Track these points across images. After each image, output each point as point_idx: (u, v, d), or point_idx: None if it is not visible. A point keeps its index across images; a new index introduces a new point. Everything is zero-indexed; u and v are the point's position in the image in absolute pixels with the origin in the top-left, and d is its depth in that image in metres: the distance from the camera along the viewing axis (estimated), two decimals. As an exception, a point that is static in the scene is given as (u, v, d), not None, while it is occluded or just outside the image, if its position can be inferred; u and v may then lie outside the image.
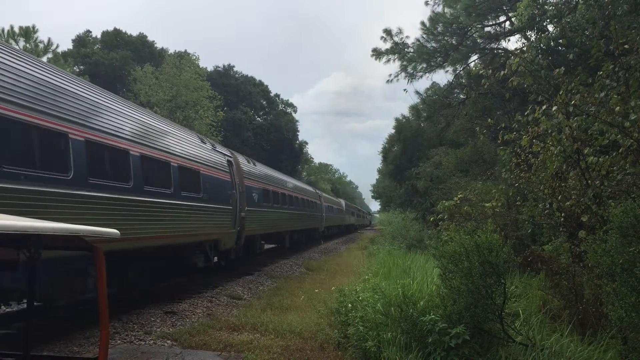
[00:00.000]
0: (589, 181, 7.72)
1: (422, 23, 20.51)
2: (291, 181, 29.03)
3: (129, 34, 60.61)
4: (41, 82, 7.58)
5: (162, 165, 11.03)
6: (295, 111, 79.89)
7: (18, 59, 7.39)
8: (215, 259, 15.01)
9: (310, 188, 36.50)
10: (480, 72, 11.59)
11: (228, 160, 16.04)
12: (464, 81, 21.35)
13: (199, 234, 12.80)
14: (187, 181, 12.08)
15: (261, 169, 21.75)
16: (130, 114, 10.28)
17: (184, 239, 11.98)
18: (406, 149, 30.68)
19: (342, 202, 57.29)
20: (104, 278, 3.35)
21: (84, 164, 8.05)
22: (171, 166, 11.35)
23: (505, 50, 19.69)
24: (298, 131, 75.70)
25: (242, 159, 18.63)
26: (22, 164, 6.86)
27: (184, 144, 12.60)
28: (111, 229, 3.45)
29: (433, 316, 6.25)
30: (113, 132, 9.14)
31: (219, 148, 16.25)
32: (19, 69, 7.19)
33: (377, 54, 22.14)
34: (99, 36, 60.06)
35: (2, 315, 9.52)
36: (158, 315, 9.99)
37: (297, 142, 76.14)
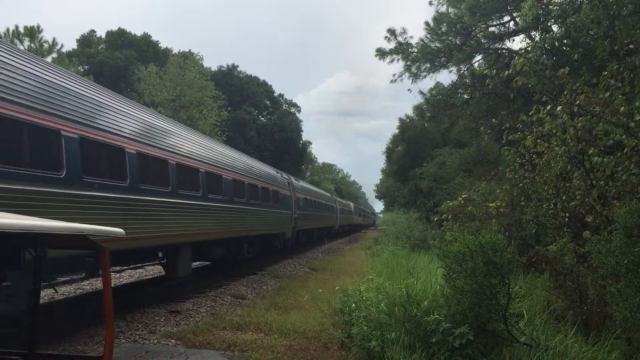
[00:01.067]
0: (594, 181, 7.70)
1: (426, 23, 20.49)
2: (320, 191, 39.53)
3: (133, 33, 60.71)
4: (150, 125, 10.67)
5: (266, 190, 19.56)
6: (299, 111, 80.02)
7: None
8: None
9: (328, 194, 45.10)
10: (485, 72, 11.54)
11: (288, 182, 24.68)
12: (468, 81, 21.29)
13: (279, 228, 21.52)
14: (274, 197, 20.71)
15: (304, 184, 31.51)
16: (257, 166, 20.07)
17: (273, 230, 20.58)
18: (410, 149, 30.66)
19: (351, 204, 65.39)
20: (109, 277, 3.37)
21: (261, 196, 18.60)
22: (270, 190, 20.14)
23: (510, 50, 19.66)
24: (302, 131, 75.73)
25: (293, 179, 27.19)
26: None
27: (272, 176, 21.57)
28: (125, 227, 3.47)
29: (437, 316, 6.25)
30: (240, 172, 16.63)
31: (284, 174, 25.05)
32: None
33: (381, 53, 22.13)
34: (103, 36, 60.20)
35: (7, 314, 9.55)
36: (162, 314, 10.02)
37: (301, 142, 76.11)
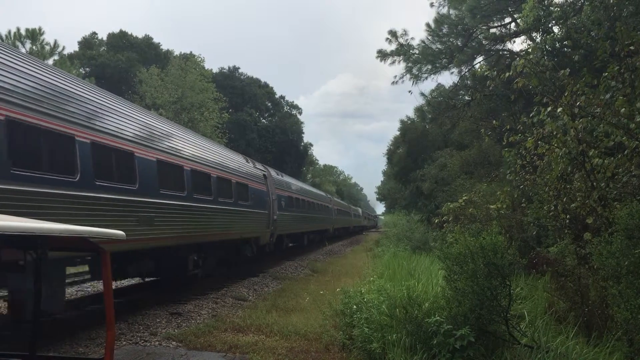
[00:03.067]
0: (595, 183, 7.70)
1: (427, 24, 20.54)
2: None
3: (134, 36, 60.82)
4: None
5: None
6: (300, 113, 79.98)
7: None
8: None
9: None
10: (486, 73, 11.58)
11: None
12: (469, 83, 21.33)
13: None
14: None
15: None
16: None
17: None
18: (411, 150, 30.66)
19: (360, 209, 78.51)
20: (109, 279, 3.37)
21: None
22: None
23: (511, 51, 19.67)
24: (303, 133, 75.68)
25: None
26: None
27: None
28: (122, 230, 3.47)
29: (438, 318, 6.24)
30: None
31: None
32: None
33: (382, 55, 22.16)
34: (105, 38, 60.31)
35: (8, 316, 9.56)
36: (163, 316, 10.02)
37: (302, 143, 76.07)
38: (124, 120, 9.73)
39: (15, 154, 6.63)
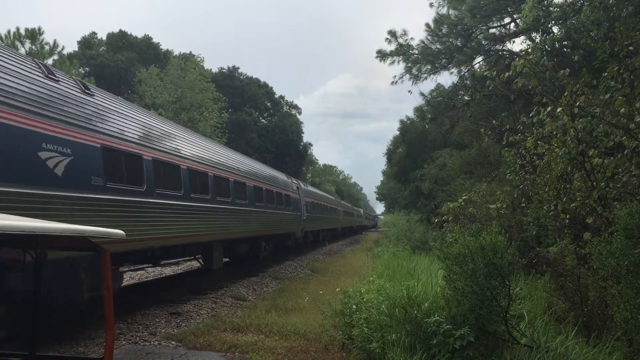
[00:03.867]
0: (594, 183, 7.70)
1: (427, 25, 20.49)
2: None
3: (134, 35, 60.83)
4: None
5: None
6: (299, 113, 79.98)
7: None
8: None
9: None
10: (485, 73, 11.57)
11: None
12: (468, 83, 21.30)
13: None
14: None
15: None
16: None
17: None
18: (411, 150, 30.68)
19: (362, 210, 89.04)
20: (109, 279, 3.37)
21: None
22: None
23: (510, 51, 19.66)
24: (303, 133, 75.71)
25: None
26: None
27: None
28: (123, 230, 3.47)
29: (437, 318, 6.24)
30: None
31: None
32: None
33: (382, 55, 22.14)
34: (104, 38, 60.33)
35: (8, 315, 9.55)
36: (163, 316, 10.02)
37: (302, 143, 76.10)
38: (240, 163, 17.62)
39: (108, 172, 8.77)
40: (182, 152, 12.22)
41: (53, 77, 8.18)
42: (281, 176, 24.54)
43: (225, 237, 14.67)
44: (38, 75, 7.78)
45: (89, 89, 9.20)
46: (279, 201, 21.41)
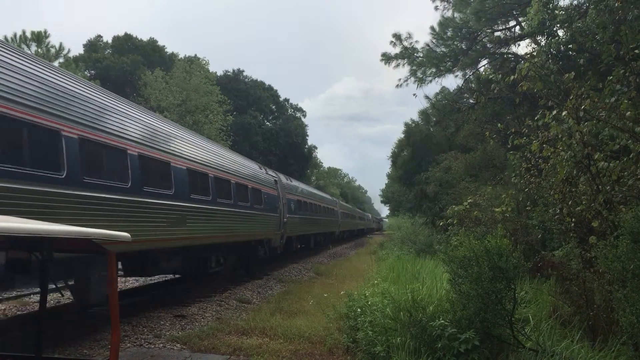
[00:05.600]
0: (600, 186, 7.67)
1: (432, 28, 20.55)
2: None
3: (139, 38, 61.05)
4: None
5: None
6: (304, 115, 79.99)
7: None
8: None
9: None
10: (490, 76, 11.56)
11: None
12: (473, 86, 21.30)
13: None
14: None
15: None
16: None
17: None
18: (415, 153, 30.61)
19: (369, 215, 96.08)
20: (115, 281, 3.38)
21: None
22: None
23: (515, 55, 19.65)
24: (307, 135, 75.71)
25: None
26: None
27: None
28: (127, 232, 3.48)
29: (442, 321, 6.23)
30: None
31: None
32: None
33: (387, 58, 22.18)
34: (110, 41, 60.57)
35: (14, 317, 9.60)
36: (168, 318, 10.03)
37: (307, 146, 76.13)
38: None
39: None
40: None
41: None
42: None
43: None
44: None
45: None
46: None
